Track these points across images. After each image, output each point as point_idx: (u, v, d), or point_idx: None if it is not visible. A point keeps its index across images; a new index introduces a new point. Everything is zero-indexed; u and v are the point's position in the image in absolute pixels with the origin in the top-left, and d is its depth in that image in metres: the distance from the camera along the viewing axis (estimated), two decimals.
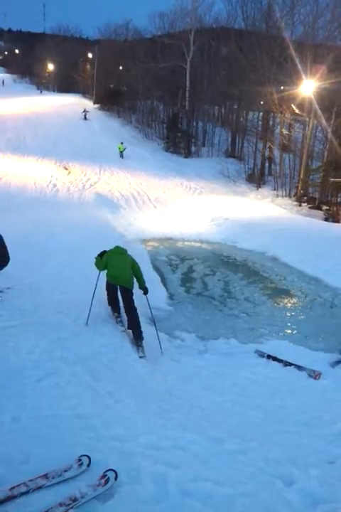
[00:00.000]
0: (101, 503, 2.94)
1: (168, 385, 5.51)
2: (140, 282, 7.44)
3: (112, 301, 7.67)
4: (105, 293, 7.71)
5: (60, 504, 2.84)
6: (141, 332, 6.97)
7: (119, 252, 7.62)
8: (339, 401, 5.12)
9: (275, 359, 6.41)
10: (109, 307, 7.73)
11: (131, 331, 7.08)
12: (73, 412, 4.13)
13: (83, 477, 3.18)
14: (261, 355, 6.61)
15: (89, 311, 7.13)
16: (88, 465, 3.29)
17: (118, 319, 7.48)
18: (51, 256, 11.10)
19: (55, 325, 6.66)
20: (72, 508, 2.84)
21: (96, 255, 7.69)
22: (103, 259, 7.47)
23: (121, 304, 7.54)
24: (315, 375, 5.80)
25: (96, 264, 7.59)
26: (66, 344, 6.03)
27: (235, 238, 17.17)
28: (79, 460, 3.31)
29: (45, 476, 3.11)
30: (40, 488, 3.02)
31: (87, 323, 7.03)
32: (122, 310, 7.56)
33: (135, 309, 7.16)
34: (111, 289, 7.55)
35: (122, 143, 35.10)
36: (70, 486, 3.08)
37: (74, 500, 2.91)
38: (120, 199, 22.83)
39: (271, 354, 6.53)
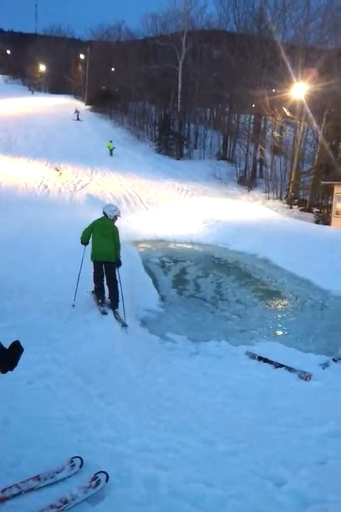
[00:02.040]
0: (91, 505, 2.93)
1: (159, 387, 5.50)
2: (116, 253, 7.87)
3: (97, 285, 7.92)
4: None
5: (51, 506, 2.83)
6: (117, 301, 7.75)
7: (102, 225, 7.91)
8: (329, 402, 5.15)
9: (266, 360, 6.43)
10: (94, 295, 7.98)
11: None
12: (64, 414, 4.11)
13: (74, 479, 3.17)
14: (252, 356, 6.63)
15: (76, 290, 7.66)
16: (80, 466, 3.28)
17: (101, 309, 7.62)
18: (42, 257, 11.06)
19: (45, 326, 6.63)
20: (62, 510, 2.82)
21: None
22: (88, 229, 7.91)
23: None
24: (305, 376, 5.83)
25: (82, 237, 7.99)
26: (57, 346, 6.00)
27: (227, 240, 17.24)
28: (72, 461, 3.29)
29: (37, 478, 3.09)
30: (31, 489, 3.01)
31: (73, 305, 7.57)
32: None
33: (116, 282, 7.80)
34: (96, 269, 7.88)
35: (111, 141, 35.35)
36: (61, 488, 3.06)
37: (65, 502, 2.89)
38: (112, 200, 22.79)
39: (261, 356, 6.55)
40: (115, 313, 7.64)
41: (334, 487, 3.32)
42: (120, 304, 7.78)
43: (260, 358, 6.51)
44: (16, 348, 2.85)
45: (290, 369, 6.09)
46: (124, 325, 7.35)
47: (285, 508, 3.07)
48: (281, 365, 6.22)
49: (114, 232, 7.87)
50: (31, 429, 3.77)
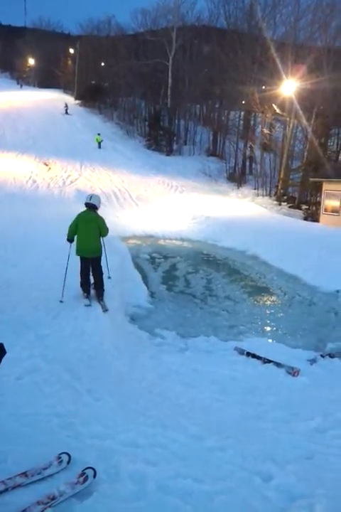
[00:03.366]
0: (79, 501, 2.92)
1: (148, 383, 5.50)
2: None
3: (83, 280, 7.97)
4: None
5: (38, 502, 2.81)
6: (103, 290, 7.97)
7: (87, 219, 7.83)
8: (316, 398, 5.19)
9: (254, 356, 6.47)
10: (80, 288, 8.02)
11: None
12: (52, 411, 4.10)
13: (62, 475, 3.16)
14: (241, 352, 6.66)
15: (63, 286, 7.71)
16: (68, 463, 3.27)
17: (87, 303, 7.67)
18: (30, 252, 10.97)
19: (33, 322, 6.60)
20: (50, 506, 2.80)
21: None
22: (73, 225, 7.89)
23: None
24: (293, 372, 5.87)
25: (68, 234, 8.02)
26: (45, 342, 5.98)
27: (216, 237, 17.28)
28: (59, 458, 3.28)
29: (24, 474, 3.07)
30: (18, 486, 2.99)
31: (61, 301, 7.59)
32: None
33: (101, 274, 8.01)
34: (82, 264, 7.92)
35: (99, 134, 35.44)
36: (49, 484, 3.05)
37: (53, 498, 2.88)
38: (101, 196, 22.67)
39: (250, 351, 6.58)
40: (100, 302, 7.80)
41: (321, 482, 3.35)
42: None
43: (248, 354, 6.54)
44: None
45: (278, 364, 6.13)
46: (105, 310, 7.56)
47: (273, 502, 3.09)
48: (269, 361, 6.25)
49: (100, 224, 7.84)
50: (18, 425, 3.76)
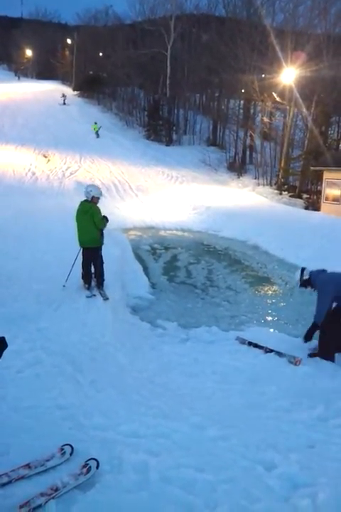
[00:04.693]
0: (82, 492, 2.93)
1: (150, 374, 5.51)
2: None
3: (84, 271, 8.06)
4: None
5: (42, 494, 2.83)
6: (103, 280, 8.10)
7: (83, 210, 7.91)
8: (318, 387, 5.18)
9: (256, 346, 6.46)
10: (81, 280, 8.10)
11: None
12: (54, 403, 4.11)
13: (65, 467, 3.17)
14: (243, 342, 6.65)
15: (69, 273, 7.90)
16: (71, 454, 3.29)
17: (88, 294, 7.75)
18: (30, 245, 10.96)
19: (34, 315, 6.60)
20: (53, 497, 2.82)
21: None
22: (75, 217, 8.03)
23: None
24: (295, 361, 5.86)
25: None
26: (46, 334, 5.98)
27: (217, 227, 17.26)
28: (62, 449, 3.30)
29: (28, 466, 3.09)
30: (22, 478, 3.00)
31: (64, 285, 7.81)
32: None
33: (101, 263, 8.08)
34: (83, 254, 8.03)
35: (96, 123, 35.48)
36: (52, 475, 3.07)
37: (56, 489, 2.89)
38: (101, 188, 22.60)
39: (252, 341, 6.58)
40: (100, 291, 7.96)
41: (323, 470, 3.35)
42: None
43: (250, 343, 6.53)
44: (1, 344, 2.83)
45: (279, 354, 6.13)
46: (105, 298, 7.70)
47: (276, 491, 3.11)
48: (271, 350, 6.25)
49: (93, 214, 7.81)
50: (21, 417, 3.77)
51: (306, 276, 6.19)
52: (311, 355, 6.04)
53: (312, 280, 6.12)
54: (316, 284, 6.06)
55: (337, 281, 5.95)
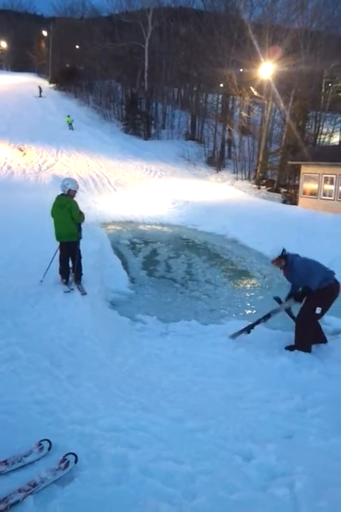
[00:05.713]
0: (61, 487, 2.91)
1: (129, 368, 5.49)
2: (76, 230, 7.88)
3: (62, 266, 7.92)
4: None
5: (19, 490, 2.80)
6: (81, 274, 8.01)
7: (60, 204, 7.78)
8: (296, 378, 5.25)
9: (252, 327, 6.51)
10: (59, 275, 7.95)
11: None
12: (31, 398, 4.06)
13: (43, 462, 3.15)
14: (236, 335, 6.54)
15: (47, 269, 7.79)
16: (49, 449, 3.26)
17: (66, 289, 7.63)
18: (6, 239, 10.77)
19: (11, 310, 6.49)
20: (31, 493, 2.79)
21: None
22: (51, 211, 7.85)
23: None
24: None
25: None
26: (23, 330, 5.90)
27: (196, 221, 17.31)
28: (40, 445, 3.27)
29: (5, 462, 3.06)
30: None
31: (41, 280, 7.71)
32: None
33: (79, 258, 7.95)
34: (60, 249, 7.91)
35: (69, 115, 35.29)
36: (30, 471, 3.04)
37: (34, 485, 2.87)
38: (78, 182, 22.37)
39: (244, 327, 6.57)
40: (78, 285, 7.86)
41: (301, 459, 3.41)
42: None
43: (248, 329, 6.54)
44: None
45: (269, 316, 6.47)
46: (84, 293, 7.61)
47: (254, 481, 3.14)
48: (264, 318, 6.47)
49: (71, 208, 7.70)
50: None
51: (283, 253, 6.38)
52: (289, 348, 6.12)
53: (288, 259, 6.33)
54: (293, 262, 6.22)
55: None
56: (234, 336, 6.56)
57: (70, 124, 35.04)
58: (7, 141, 29.22)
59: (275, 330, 7.17)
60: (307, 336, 6.05)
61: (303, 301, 6.24)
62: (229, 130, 33.57)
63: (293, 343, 6.18)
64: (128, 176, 25.89)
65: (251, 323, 6.67)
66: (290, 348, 6.12)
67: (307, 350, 5.97)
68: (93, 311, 7.11)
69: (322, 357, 5.83)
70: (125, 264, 11.04)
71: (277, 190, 26.40)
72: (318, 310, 5.95)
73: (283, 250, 6.42)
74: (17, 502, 2.71)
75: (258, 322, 6.59)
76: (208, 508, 2.80)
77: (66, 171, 24.57)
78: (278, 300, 6.72)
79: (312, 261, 6.25)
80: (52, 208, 7.84)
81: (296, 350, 6.01)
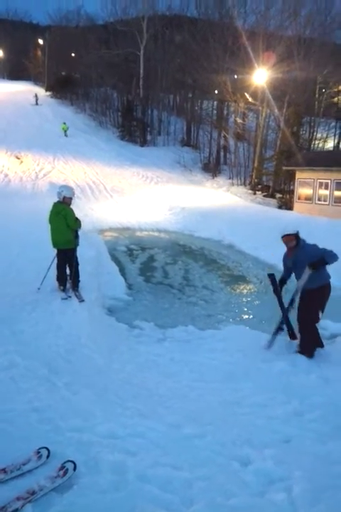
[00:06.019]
0: (59, 494, 2.91)
1: (126, 374, 5.50)
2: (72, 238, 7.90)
3: (59, 273, 7.95)
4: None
5: (18, 498, 2.79)
6: (78, 281, 8.05)
7: (56, 212, 7.81)
8: (293, 382, 5.25)
9: (282, 324, 6.41)
10: (56, 282, 7.98)
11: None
12: (29, 406, 4.05)
13: (42, 470, 3.14)
14: (273, 339, 6.44)
15: (44, 277, 7.83)
16: (47, 457, 3.25)
17: (63, 296, 7.65)
18: (3, 247, 10.78)
19: (8, 318, 6.49)
20: (29, 501, 2.79)
21: None
22: (49, 219, 7.89)
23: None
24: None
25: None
26: (21, 337, 5.90)
27: (192, 227, 17.36)
28: (38, 452, 3.26)
29: (4, 471, 3.05)
30: None
31: (39, 288, 7.74)
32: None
33: (76, 265, 8.00)
34: (58, 256, 7.95)
35: (65, 123, 35.34)
36: (28, 479, 3.03)
37: (33, 493, 2.87)
38: (75, 189, 22.40)
39: (275, 330, 6.38)
40: (75, 292, 7.90)
41: (299, 464, 3.41)
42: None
43: (280, 328, 6.46)
44: None
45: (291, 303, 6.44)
46: (81, 300, 7.66)
47: (252, 487, 3.15)
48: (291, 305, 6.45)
49: (66, 215, 7.71)
50: None
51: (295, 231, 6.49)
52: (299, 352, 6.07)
53: (300, 241, 6.53)
54: (305, 244, 6.51)
55: None
56: (269, 345, 6.32)
57: (65, 132, 35.13)
58: (4, 149, 29.26)
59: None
60: (312, 343, 6.04)
61: (301, 297, 6.23)
62: (225, 136, 33.71)
63: (293, 343, 6.24)
64: (124, 183, 25.95)
65: (280, 321, 6.47)
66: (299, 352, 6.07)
67: (310, 355, 5.94)
68: (90, 318, 7.11)
69: (319, 361, 5.83)
70: (122, 271, 11.05)
71: (272, 196, 26.51)
72: (320, 314, 6.01)
73: (298, 231, 6.52)
74: (16, 510, 2.70)
75: (286, 313, 6.43)
76: None
77: (63, 178, 24.61)
78: (273, 278, 6.77)
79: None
80: (50, 216, 7.87)
81: (294, 354, 6.01)
